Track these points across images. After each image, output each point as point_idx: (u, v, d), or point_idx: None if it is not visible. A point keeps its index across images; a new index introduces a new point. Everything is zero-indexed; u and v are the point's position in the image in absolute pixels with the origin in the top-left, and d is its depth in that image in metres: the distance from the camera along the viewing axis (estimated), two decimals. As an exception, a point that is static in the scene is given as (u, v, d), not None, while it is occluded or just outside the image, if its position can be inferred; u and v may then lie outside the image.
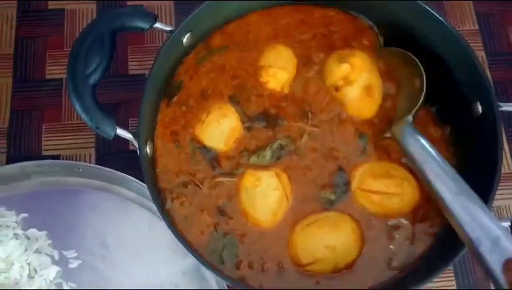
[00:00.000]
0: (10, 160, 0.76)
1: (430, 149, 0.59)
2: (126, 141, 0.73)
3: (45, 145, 0.78)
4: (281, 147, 0.65)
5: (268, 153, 0.65)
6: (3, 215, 0.73)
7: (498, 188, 0.57)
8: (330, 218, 0.62)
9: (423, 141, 0.60)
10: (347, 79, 0.65)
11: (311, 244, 0.61)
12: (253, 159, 0.65)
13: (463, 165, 0.64)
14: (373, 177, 0.63)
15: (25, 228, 0.72)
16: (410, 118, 0.62)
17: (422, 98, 0.63)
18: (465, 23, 0.88)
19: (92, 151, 0.78)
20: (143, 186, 0.71)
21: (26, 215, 0.73)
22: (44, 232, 0.72)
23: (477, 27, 0.88)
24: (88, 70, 0.61)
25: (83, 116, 0.60)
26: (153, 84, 0.65)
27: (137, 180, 0.71)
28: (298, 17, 0.71)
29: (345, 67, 0.66)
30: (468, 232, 0.53)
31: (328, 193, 0.64)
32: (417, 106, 0.62)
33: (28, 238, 0.72)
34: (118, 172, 0.71)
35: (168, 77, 0.69)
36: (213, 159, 0.65)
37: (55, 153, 0.77)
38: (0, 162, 0.76)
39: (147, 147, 0.64)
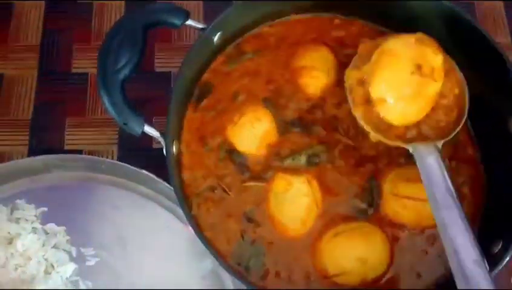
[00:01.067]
0: (32, 153, 0.75)
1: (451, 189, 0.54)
2: (149, 139, 0.72)
3: (67, 140, 0.76)
4: (315, 154, 0.64)
5: (302, 159, 0.63)
6: (23, 208, 0.72)
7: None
8: (361, 229, 0.60)
9: (445, 174, 0.55)
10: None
11: (340, 255, 0.59)
12: (288, 162, 0.63)
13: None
14: (406, 181, 0.60)
15: (43, 223, 0.71)
16: (440, 144, 0.58)
17: (464, 118, 0.60)
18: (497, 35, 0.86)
19: (115, 147, 0.76)
20: (166, 186, 0.69)
21: (45, 209, 0.72)
22: (63, 228, 0.71)
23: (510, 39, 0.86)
24: (118, 65, 0.59)
25: (112, 111, 0.59)
26: (182, 84, 0.63)
27: (159, 180, 0.70)
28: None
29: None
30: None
31: (360, 202, 0.62)
32: (457, 130, 0.59)
33: (47, 233, 0.71)
34: (141, 170, 0.70)
35: (196, 78, 0.67)
36: (243, 163, 0.64)
37: (77, 147, 0.76)
38: (22, 155, 0.75)
39: (174, 147, 0.62)
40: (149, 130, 0.60)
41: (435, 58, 0.57)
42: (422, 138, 0.60)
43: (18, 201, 0.72)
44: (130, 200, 0.72)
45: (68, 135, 0.77)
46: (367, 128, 0.60)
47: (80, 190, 0.73)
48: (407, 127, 0.60)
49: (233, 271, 0.58)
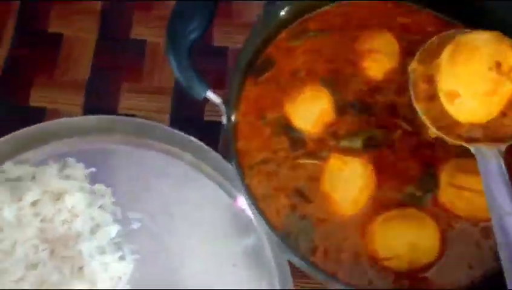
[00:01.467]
0: (86, 114, 0.76)
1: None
2: (201, 111, 0.73)
3: (121, 105, 0.77)
4: (372, 137, 0.63)
5: (358, 141, 0.63)
6: (73, 166, 0.72)
7: None
8: (415, 215, 0.59)
9: (507, 180, 0.54)
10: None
11: (391, 239, 0.58)
12: (343, 143, 0.63)
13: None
14: (465, 172, 0.60)
15: (92, 183, 0.72)
16: (503, 148, 0.56)
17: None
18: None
19: (167, 117, 0.77)
20: (215, 157, 0.70)
21: (94, 170, 0.73)
22: (110, 189, 0.71)
23: None
24: (188, 28, 0.60)
25: (178, 73, 0.59)
26: (246, 55, 0.63)
27: (210, 149, 0.70)
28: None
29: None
30: None
31: (414, 189, 0.61)
32: None
33: (94, 193, 0.71)
34: (193, 138, 0.70)
35: (259, 51, 0.67)
36: (298, 139, 0.63)
37: (130, 112, 0.76)
38: (76, 115, 0.76)
39: (233, 116, 0.62)
40: (211, 95, 0.60)
41: None
42: (486, 139, 0.58)
43: (69, 159, 0.73)
44: (179, 169, 0.73)
45: (122, 100, 0.78)
46: (427, 123, 0.59)
47: (130, 154, 0.74)
48: (472, 126, 0.59)
49: (284, 243, 0.58)
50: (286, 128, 0.64)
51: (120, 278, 0.67)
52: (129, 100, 0.77)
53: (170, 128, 0.72)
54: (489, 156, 0.56)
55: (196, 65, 0.59)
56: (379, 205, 0.60)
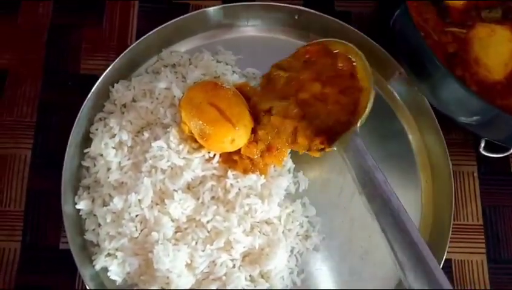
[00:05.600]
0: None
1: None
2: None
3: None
4: (510, 9, 0.68)
5: (499, 11, 0.68)
6: (223, 53, 0.79)
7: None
8: None
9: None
10: None
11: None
12: (485, 14, 0.68)
13: None
14: None
15: (242, 68, 0.79)
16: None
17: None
18: None
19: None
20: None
21: (241, 57, 0.79)
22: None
23: None
24: None
25: None
26: None
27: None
28: None
29: None
30: None
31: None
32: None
33: (246, 77, 0.78)
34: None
35: None
36: (444, 9, 0.69)
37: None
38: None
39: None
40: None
41: None
42: None
43: (218, 47, 0.80)
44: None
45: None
46: None
47: (273, 42, 0.80)
48: None
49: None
50: (432, 0, 0.69)
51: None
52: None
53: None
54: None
55: None
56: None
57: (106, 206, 0.68)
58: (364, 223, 0.72)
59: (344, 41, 0.70)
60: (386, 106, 0.79)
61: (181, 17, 0.77)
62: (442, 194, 0.73)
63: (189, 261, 0.66)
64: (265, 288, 0.67)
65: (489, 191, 0.77)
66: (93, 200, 0.69)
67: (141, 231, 0.67)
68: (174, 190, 0.67)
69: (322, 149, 0.66)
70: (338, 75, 0.69)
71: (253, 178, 0.69)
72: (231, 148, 0.68)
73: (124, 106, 0.74)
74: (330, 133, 0.65)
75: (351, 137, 0.64)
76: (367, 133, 0.75)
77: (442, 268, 0.67)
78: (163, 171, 0.68)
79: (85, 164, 0.71)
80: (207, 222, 0.67)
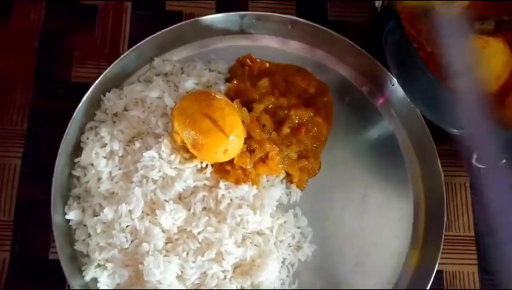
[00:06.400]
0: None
1: None
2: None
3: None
4: (503, 21, 0.69)
5: (492, 23, 0.68)
6: (216, 62, 0.79)
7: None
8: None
9: None
10: None
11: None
12: (477, 25, 0.68)
13: None
14: None
15: (234, 76, 0.79)
16: None
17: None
18: None
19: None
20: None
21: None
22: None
23: None
24: None
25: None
26: None
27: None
28: None
29: None
30: None
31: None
32: None
33: (238, 86, 0.78)
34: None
35: None
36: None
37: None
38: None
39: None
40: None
41: None
42: None
43: (211, 56, 0.79)
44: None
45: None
46: None
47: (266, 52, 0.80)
48: None
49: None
50: (424, 11, 0.69)
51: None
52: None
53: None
54: None
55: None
56: (517, 80, 0.67)
57: (96, 216, 0.67)
58: (356, 234, 0.72)
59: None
60: (377, 117, 0.78)
61: (174, 25, 0.76)
62: (434, 205, 0.73)
63: (179, 273, 0.65)
64: (256, 299, 0.67)
65: (481, 201, 0.78)
66: (83, 210, 0.68)
67: (132, 241, 0.66)
68: (165, 201, 0.67)
69: None
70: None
71: (245, 189, 0.68)
72: (224, 159, 0.67)
73: (115, 115, 0.73)
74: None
75: None
76: (358, 143, 0.76)
77: (434, 279, 0.68)
78: (154, 182, 0.67)
79: (75, 173, 0.70)
80: (199, 233, 0.66)
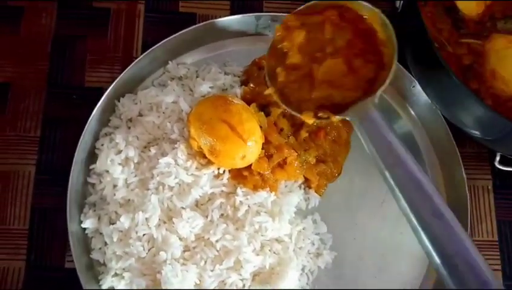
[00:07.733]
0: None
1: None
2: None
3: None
4: (527, 18, 0.67)
5: (515, 21, 0.66)
6: (231, 64, 0.77)
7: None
8: None
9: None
10: None
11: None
12: (500, 24, 0.66)
13: None
14: None
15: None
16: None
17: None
18: None
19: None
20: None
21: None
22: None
23: None
24: None
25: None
26: None
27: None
28: None
29: None
30: None
31: None
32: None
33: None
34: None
35: None
36: (459, 20, 0.67)
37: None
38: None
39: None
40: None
41: None
42: None
43: (226, 58, 0.78)
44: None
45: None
46: None
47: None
48: None
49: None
50: (448, 8, 0.67)
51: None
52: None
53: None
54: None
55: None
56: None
57: (112, 224, 0.66)
58: (376, 240, 0.70)
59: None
60: (398, 119, 0.77)
61: (189, 28, 0.75)
62: (456, 213, 0.71)
63: (198, 282, 0.64)
64: (276, 308, 0.65)
65: (504, 205, 0.75)
66: (99, 218, 0.67)
67: (149, 250, 0.65)
68: (182, 208, 0.66)
69: (327, 118, 0.62)
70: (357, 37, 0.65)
71: (263, 195, 0.67)
72: (242, 165, 0.66)
73: (130, 120, 0.72)
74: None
75: (369, 107, 0.58)
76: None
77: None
78: (171, 189, 0.66)
79: (90, 180, 0.69)
80: (216, 241, 0.65)
